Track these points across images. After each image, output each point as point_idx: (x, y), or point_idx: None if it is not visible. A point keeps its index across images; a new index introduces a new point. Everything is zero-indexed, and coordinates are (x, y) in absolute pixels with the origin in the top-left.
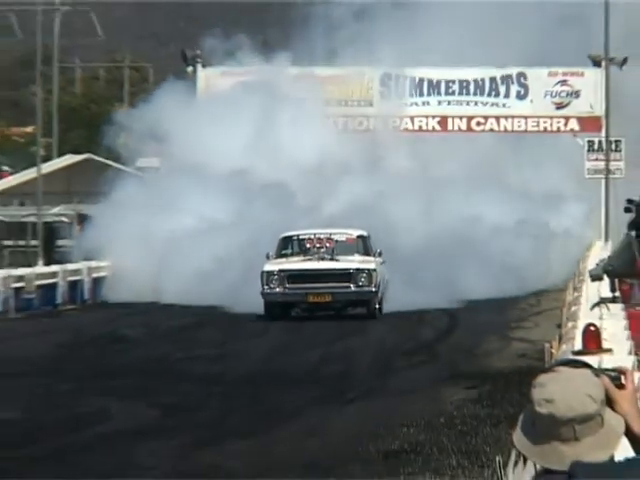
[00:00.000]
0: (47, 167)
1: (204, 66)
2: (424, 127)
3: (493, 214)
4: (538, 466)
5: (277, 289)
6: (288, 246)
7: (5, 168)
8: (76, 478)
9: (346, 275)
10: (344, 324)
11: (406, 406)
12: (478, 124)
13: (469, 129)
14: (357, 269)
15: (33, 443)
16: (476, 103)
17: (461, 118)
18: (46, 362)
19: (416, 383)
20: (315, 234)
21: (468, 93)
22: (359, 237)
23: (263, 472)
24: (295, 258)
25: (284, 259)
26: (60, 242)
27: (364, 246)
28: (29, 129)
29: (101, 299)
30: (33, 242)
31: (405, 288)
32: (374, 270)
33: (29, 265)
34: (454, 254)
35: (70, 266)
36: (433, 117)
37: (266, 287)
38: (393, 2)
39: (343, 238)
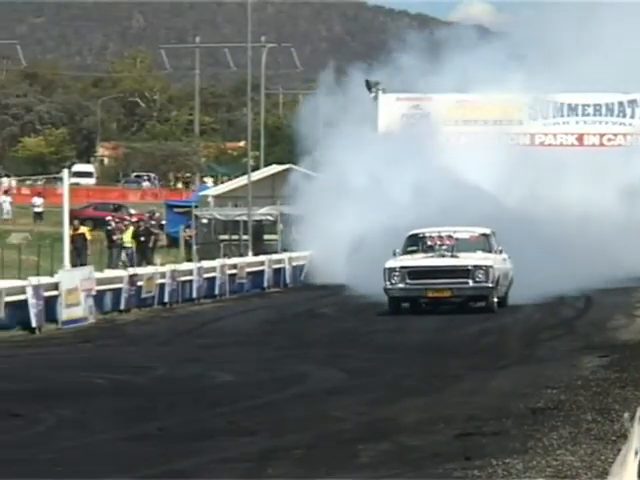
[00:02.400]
0: (255, 175)
1: (384, 92)
2: (564, 142)
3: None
4: None
5: (398, 285)
6: (413, 244)
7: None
8: (282, 426)
9: (464, 271)
10: None
11: (549, 371)
12: (609, 140)
13: (601, 144)
14: (475, 265)
15: (246, 399)
16: (607, 123)
17: (595, 135)
18: (255, 334)
19: (557, 352)
20: (438, 232)
21: (600, 114)
22: (482, 235)
23: (432, 424)
24: (418, 255)
25: (408, 256)
26: (266, 237)
27: (488, 243)
28: (241, 144)
29: (300, 283)
30: (244, 237)
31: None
32: (491, 267)
33: (241, 255)
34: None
35: (275, 256)
36: (572, 134)
37: (388, 283)
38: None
39: (466, 236)
